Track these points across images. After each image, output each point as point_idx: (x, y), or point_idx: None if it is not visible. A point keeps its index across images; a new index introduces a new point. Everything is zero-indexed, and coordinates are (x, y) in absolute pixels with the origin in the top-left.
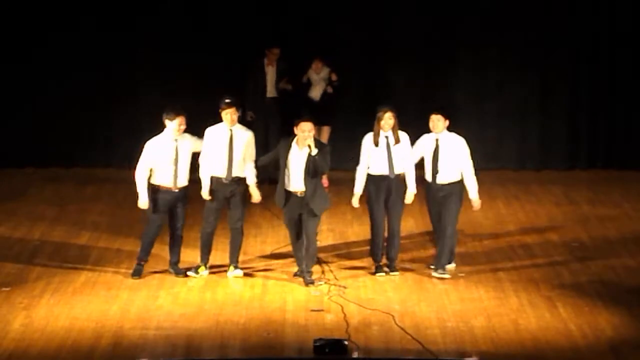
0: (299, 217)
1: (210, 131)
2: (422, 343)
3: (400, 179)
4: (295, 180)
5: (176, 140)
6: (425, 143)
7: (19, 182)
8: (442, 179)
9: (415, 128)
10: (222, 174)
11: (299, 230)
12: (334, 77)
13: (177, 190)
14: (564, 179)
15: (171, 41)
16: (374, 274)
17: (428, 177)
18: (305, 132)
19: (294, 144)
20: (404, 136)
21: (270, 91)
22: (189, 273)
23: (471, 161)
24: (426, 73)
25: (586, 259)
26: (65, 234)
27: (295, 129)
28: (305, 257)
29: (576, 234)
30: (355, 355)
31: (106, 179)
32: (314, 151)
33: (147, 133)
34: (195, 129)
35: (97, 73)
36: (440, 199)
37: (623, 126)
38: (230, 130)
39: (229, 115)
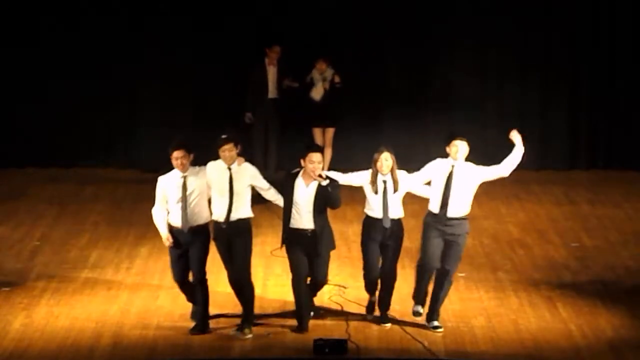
0: (306, 259)
1: (208, 168)
2: (423, 343)
3: (397, 224)
4: (304, 218)
5: (184, 176)
6: (439, 168)
7: (19, 182)
8: (452, 212)
9: (415, 127)
10: (217, 217)
11: (306, 274)
12: (337, 79)
13: (187, 231)
14: (564, 179)
15: (171, 41)
16: (367, 314)
17: (434, 208)
18: (314, 163)
19: (299, 178)
20: (402, 175)
21: (272, 92)
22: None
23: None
24: (426, 73)
25: (586, 259)
26: (65, 234)
27: (303, 161)
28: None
29: (576, 234)
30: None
31: (106, 179)
32: (325, 181)
33: (147, 133)
34: (195, 128)
35: (97, 73)
36: (447, 235)
37: (623, 126)
38: (229, 169)
39: (226, 152)
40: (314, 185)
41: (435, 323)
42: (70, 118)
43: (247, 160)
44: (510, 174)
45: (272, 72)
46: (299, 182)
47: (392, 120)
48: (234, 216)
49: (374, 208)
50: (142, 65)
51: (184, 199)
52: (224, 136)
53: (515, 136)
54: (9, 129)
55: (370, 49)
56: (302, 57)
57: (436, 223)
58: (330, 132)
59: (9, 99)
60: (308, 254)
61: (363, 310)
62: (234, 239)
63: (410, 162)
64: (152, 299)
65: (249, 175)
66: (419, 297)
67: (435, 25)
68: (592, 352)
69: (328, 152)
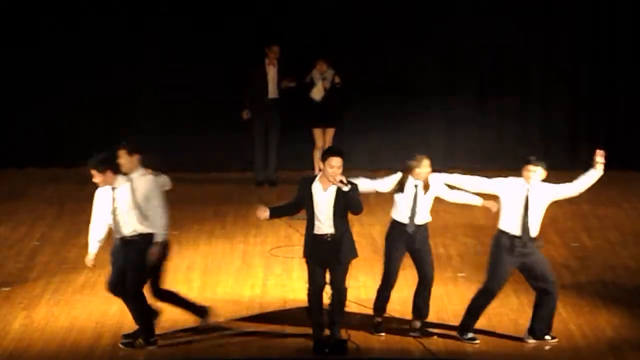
0: (325, 267)
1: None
2: (423, 343)
3: (424, 229)
4: (325, 224)
5: (113, 188)
6: (512, 189)
7: (19, 182)
8: (533, 234)
9: (415, 127)
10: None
11: (323, 283)
12: (337, 80)
13: (120, 244)
14: (564, 179)
15: (171, 41)
16: (374, 332)
17: (512, 230)
18: (334, 168)
19: (316, 183)
20: (434, 179)
21: (272, 91)
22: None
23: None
24: (426, 73)
25: (586, 259)
26: (65, 234)
27: (322, 164)
28: (334, 310)
29: (576, 234)
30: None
31: None
32: (347, 187)
33: (147, 133)
34: (196, 129)
35: (97, 73)
36: (524, 257)
37: (623, 126)
38: (131, 179)
39: (121, 160)
40: (332, 190)
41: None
42: (70, 118)
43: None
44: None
45: (271, 72)
46: (317, 187)
47: (392, 120)
48: (126, 231)
49: (401, 212)
50: (142, 65)
51: (113, 210)
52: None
53: (599, 158)
54: (9, 129)
55: (370, 48)
56: (302, 57)
57: (515, 247)
58: (330, 132)
59: (9, 99)
60: (327, 262)
61: (363, 311)
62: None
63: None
64: (152, 299)
65: (145, 188)
66: (472, 323)
67: (435, 25)
68: (592, 352)
69: None
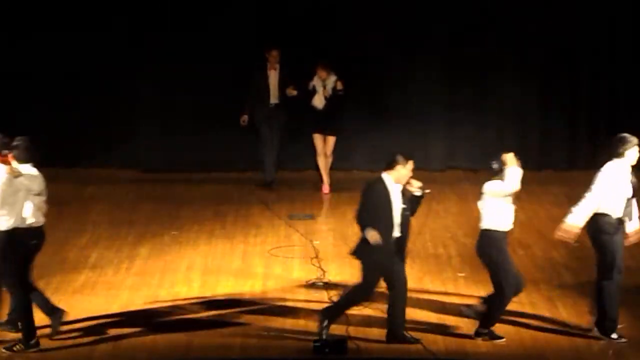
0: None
1: None
2: (422, 343)
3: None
4: (397, 225)
5: None
6: (618, 173)
7: None
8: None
9: (415, 127)
10: None
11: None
12: (339, 86)
13: None
14: (564, 179)
15: (171, 41)
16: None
17: (618, 212)
18: (409, 171)
19: (391, 186)
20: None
21: (274, 97)
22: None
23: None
24: (426, 73)
25: (586, 259)
26: (65, 234)
27: (398, 167)
28: (396, 308)
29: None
30: None
31: (106, 179)
32: (428, 190)
33: (147, 133)
34: (196, 129)
35: (98, 73)
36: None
37: (623, 126)
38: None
39: None
40: (398, 192)
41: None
42: (71, 118)
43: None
44: None
45: (273, 77)
46: (392, 190)
47: (392, 119)
48: None
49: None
50: (142, 65)
51: None
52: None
53: None
54: (8, 129)
55: (370, 47)
56: (303, 59)
57: (620, 228)
58: (331, 140)
59: (9, 99)
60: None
61: (363, 310)
62: None
63: None
64: (152, 299)
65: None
66: (616, 318)
67: (435, 25)
68: (592, 352)
69: (328, 159)
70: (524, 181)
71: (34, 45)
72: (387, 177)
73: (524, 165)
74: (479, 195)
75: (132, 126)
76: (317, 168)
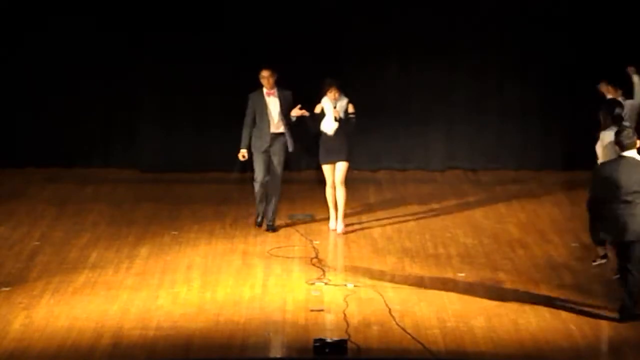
0: None
1: None
2: (422, 343)
3: None
4: None
5: None
6: None
7: (19, 182)
8: None
9: (415, 126)
10: None
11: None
12: (351, 109)
13: None
14: (564, 179)
15: (171, 41)
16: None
17: None
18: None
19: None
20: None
21: (275, 125)
22: None
23: None
24: (426, 73)
25: (586, 259)
26: (65, 234)
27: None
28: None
29: (576, 234)
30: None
31: (106, 179)
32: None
33: (147, 133)
34: (196, 129)
35: (97, 73)
36: None
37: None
38: None
39: None
40: None
41: None
42: (70, 118)
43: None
44: (511, 174)
45: (272, 103)
46: None
47: (392, 119)
48: None
49: None
50: (142, 65)
51: None
52: None
53: None
54: (9, 129)
55: (369, 46)
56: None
57: None
58: (343, 166)
59: (9, 100)
60: None
61: (363, 310)
62: None
63: (409, 161)
64: (152, 299)
65: None
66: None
67: (434, 25)
68: (592, 352)
69: (341, 190)
70: (524, 181)
71: (33, 45)
72: None
73: (524, 166)
74: (479, 195)
75: (132, 126)
76: (326, 198)
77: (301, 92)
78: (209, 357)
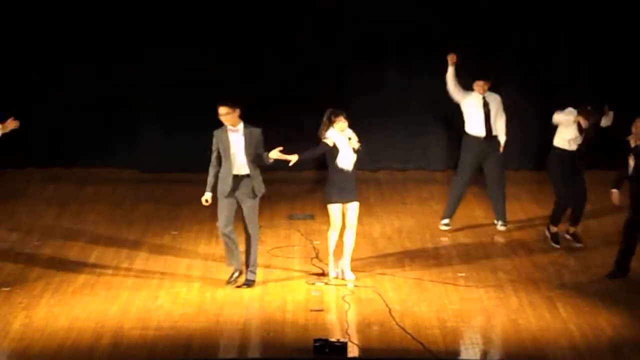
0: None
1: None
2: (422, 343)
3: None
4: None
5: None
6: None
7: (19, 182)
8: None
9: (415, 126)
10: None
11: None
12: (357, 140)
13: None
14: None
15: (171, 41)
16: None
17: None
18: None
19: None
20: None
21: (238, 167)
22: None
23: None
24: (426, 73)
25: (586, 259)
26: (65, 234)
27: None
28: None
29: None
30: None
31: (106, 179)
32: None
33: (147, 133)
34: (196, 129)
35: (97, 73)
36: None
37: (623, 126)
38: None
39: None
40: None
41: None
42: (70, 118)
43: None
44: (511, 174)
45: (236, 141)
46: None
47: (391, 119)
48: None
49: None
50: (142, 65)
51: None
52: None
53: None
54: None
55: (369, 47)
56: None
57: None
58: (355, 206)
59: (8, 100)
60: None
61: (363, 310)
62: None
63: (409, 161)
64: (152, 299)
65: None
66: None
67: (434, 25)
68: (592, 352)
69: (354, 233)
70: (524, 181)
71: (33, 45)
72: None
73: (524, 166)
74: (478, 195)
75: (132, 126)
76: (329, 247)
77: (301, 93)
78: (209, 357)
